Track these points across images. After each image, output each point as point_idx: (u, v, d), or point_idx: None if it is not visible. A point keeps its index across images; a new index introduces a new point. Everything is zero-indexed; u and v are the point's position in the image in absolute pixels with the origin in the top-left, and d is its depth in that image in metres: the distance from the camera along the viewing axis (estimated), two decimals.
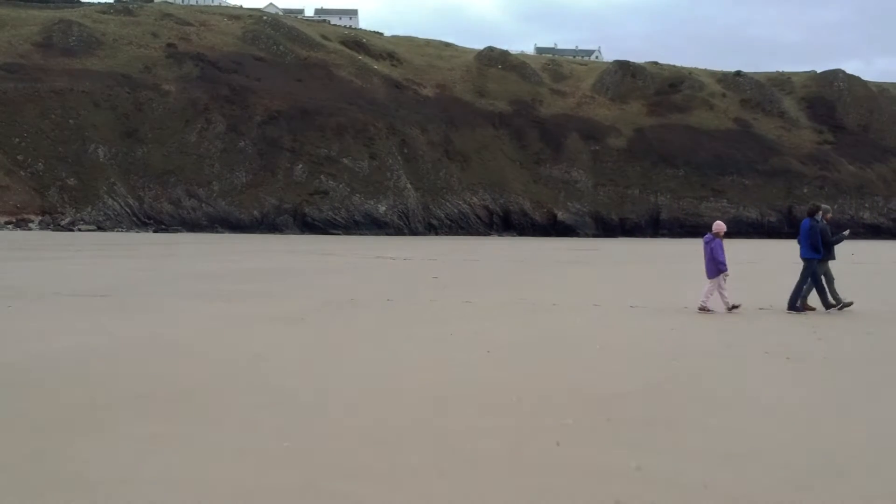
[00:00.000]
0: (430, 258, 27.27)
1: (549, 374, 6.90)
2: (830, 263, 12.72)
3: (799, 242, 12.89)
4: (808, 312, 12.42)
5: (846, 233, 13.97)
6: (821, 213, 12.93)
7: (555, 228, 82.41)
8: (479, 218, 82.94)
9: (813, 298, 12.64)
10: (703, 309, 12.29)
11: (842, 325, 10.96)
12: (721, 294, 12.36)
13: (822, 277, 12.50)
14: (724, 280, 12.41)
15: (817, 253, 12.34)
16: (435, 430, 4.88)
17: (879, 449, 4.59)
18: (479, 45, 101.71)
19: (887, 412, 5.58)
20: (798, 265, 12.87)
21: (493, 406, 5.61)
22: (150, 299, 12.47)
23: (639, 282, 18.76)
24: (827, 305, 12.49)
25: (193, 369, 6.86)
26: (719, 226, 13.08)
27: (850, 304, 12.49)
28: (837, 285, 12.69)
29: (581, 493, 3.72)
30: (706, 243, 12.73)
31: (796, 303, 12.46)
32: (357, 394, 5.96)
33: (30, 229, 66.11)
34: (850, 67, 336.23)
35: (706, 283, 12.71)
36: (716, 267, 12.32)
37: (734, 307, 12.23)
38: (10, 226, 66.54)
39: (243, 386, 6.09)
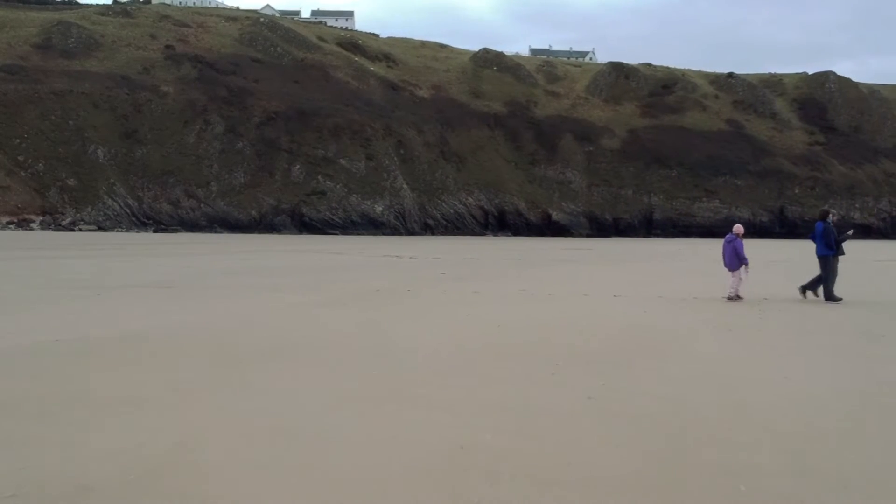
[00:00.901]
0: (433, 257, 29.82)
1: (545, 338, 9.34)
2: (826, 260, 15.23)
3: (814, 242, 15.22)
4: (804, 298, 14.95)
5: (850, 232, 16.65)
6: (831, 216, 15.59)
7: (549, 228, 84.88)
8: (474, 218, 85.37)
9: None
10: (731, 298, 14.62)
11: (791, 308, 13.44)
12: (737, 282, 14.80)
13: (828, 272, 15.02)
14: (746, 272, 14.95)
15: (831, 250, 14.79)
16: (481, 364, 7.38)
17: (776, 381, 6.98)
18: (474, 46, 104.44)
19: (786, 358, 8.00)
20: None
21: (508, 355, 8.08)
22: (209, 290, 14.75)
23: (624, 277, 21.28)
24: (827, 296, 14.97)
25: (294, 334, 9.26)
26: (739, 228, 15.67)
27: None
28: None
29: (565, 396, 6.17)
30: (728, 242, 15.20)
31: (833, 294, 14.68)
32: (428, 345, 8.50)
33: (31, 229, 68.00)
34: (844, 68, 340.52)
35: (729, 276, 15.09)
36: (738, 260, 14.79)
37: (738, 297, 14.73)
38: (11, 226, 68.46)
39: (345, 345, 8.51)
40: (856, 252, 40.99)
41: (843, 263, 15.55)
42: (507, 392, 6.30)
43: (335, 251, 33.67)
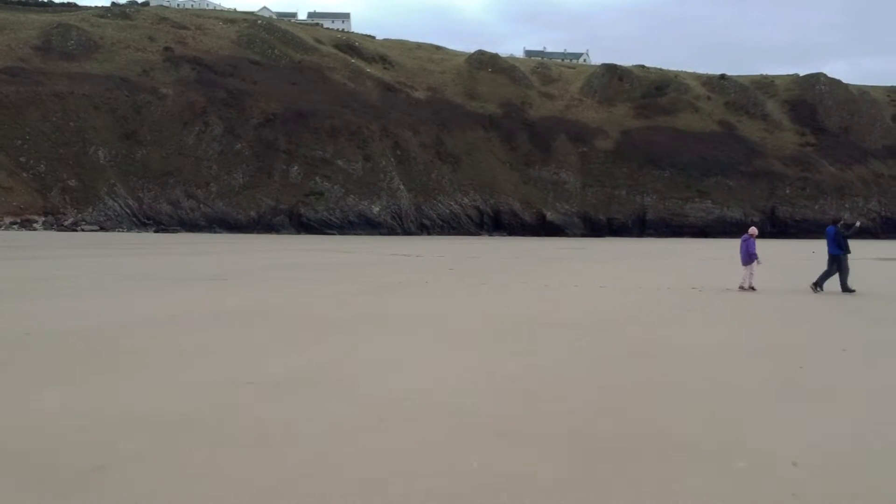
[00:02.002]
0: (438, 255, 32.82)
1: (543, 313, 12.27)
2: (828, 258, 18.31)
3: (827, 243, 18.26)
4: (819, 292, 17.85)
5: (858, 224, 19.90)
6: (841, 221, 18.81)
7: (544, 228, 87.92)
8: (470, 218, 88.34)
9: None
10: (743, 288, 17.54)
11: (745, 296, 16.38)
12: (750, 276, 17.66)
13: (833, 268, 17.99)
14: (756, 266, 17.82)
15: (841, 250, 17.78)
16: (496, 328, 10.33)
17: (703, 338, 9.89)
18: (467, 46, 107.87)
19: (716, 326, 10.91)
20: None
21: (516, 323, 11.01)
22: (261, 282, 17.59)
23: (611, 272, 24.25)
24: (816, 284, 17.95)
25: (354, 311, 12.13)
26: (753, 230, 18.73)
27: (821, 290, 17.87)
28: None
29: (558, 345, 9.10)
30: (743, 241, 18.16)
31: (847, 286, 17.54)
32: (456, 318, 11.43)
33: (34, 229, 70.48)
34: (836, 68, 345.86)
35: (742, 270, 18.04)
36: (749, 257, 17.74)
37: (752, 289, 17.66)
38: (15, 226, 70.91)
39: (397, 317, 11.40)
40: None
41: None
42: (518, 343, 9.27)
43: (345, 250, 36.63)
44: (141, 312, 11.50)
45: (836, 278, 17.75)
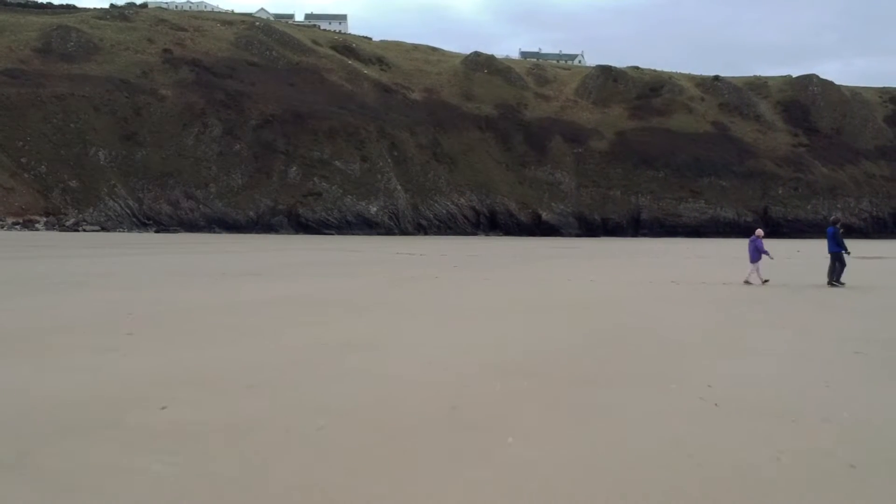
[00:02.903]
0: (440, 254, 35.57)
1: (540, 299, 14.90)
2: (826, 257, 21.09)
3: (828, 242, 21.00)
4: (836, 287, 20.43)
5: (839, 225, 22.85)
6: (840, 223, 21.63)
7: (539, 228, 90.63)
8: (466, 218, 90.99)
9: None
10: (749, 282, 20.15)
11: (719, 288, 19.00)
12: (758, 272, 20.29)
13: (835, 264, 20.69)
14: (761, 265, 20.38)
15: (840, 248, 20.47)
16: (503, 309, 12.97)
17: (669, 317, 12.50)
18: (463, 46, 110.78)
19: (683, 311, 13.50)
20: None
21: (519, 305, 13.63)
22: (296, 276, 20.25)
23: (602, 269, 26.92)
24: (835, 282, 20.46)
25: (385, 297, 14.73)
26: (759, 231, 21.52)
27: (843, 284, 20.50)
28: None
29: (553, 321, 11.71)
30: (751, 241, 20.92)
31: (832, 279, 20.26)
32: (467, 303, 14.05)
33: (36, 230, 72.72)
34: (830, 68, 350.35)
35: (749, 266, 20.68)
36: (758, 254, 20.35)
37: (761, 282, 20.21)
38: (17, 226, 73.08)
39: (418, 303, 13.98)
40: (814, 249, 47.04)
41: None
42: (520, 318, 11.92)
43: (352, 250, 39.29)
44: (213, 299, 14.11)
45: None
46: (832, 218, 22.75)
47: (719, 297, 16.96)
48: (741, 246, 59.15)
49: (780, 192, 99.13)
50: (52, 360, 8.04)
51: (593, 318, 12.41)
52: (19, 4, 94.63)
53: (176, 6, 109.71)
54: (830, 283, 20.41)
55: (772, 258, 20.72)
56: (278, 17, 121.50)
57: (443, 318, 11.84)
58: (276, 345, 9.13)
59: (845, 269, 20.54)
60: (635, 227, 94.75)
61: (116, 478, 4.45)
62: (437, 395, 6.74)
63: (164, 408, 6.06)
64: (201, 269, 22.39)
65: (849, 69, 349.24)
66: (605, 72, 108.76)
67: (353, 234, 78.98)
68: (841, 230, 21.25)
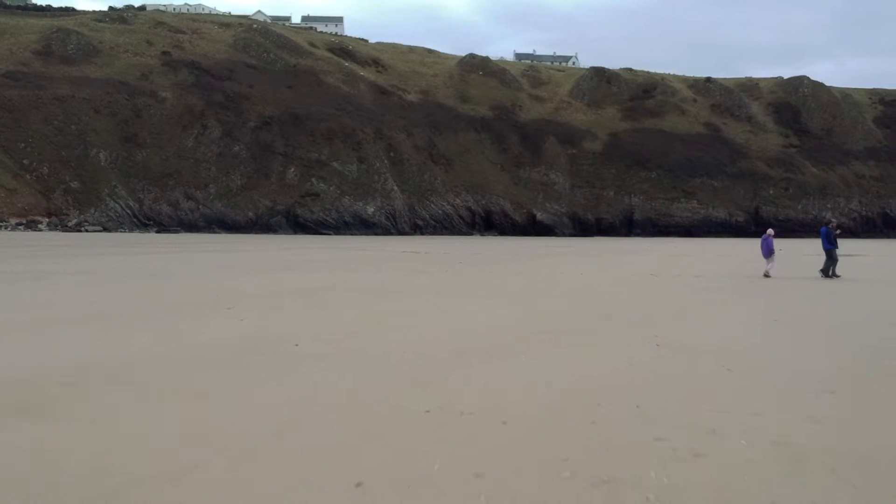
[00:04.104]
0: (443, 252, 39.31)
1: (537, 288, 18.55)
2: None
3: (822, 240, 24.73)
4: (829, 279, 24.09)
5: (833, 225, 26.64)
6: (833, 223, 25.56)
7: (534, 228, 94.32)
8: (461, 219, 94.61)
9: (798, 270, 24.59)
10: (767, 275, 23.70)
11: (693, 281, 22.68)
12: (770, 264, 23.97)
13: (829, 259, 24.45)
14: (773, 259, 24.08)
15: (831, 245, 24.14)
16: (507, 293, 16.61)
17: (638, 299, 16.09)
18: (456, 47, 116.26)
19: (652, 296, 17.12)
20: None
21: (520, 292, 17.26)
22: (322, 271, 23.86)
23: (592, 265, 30.61)
24: (829, 275, 24.15)
25: (410, 285, 18.32)
26: (771, 231, 25.36)
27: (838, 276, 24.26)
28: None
29: (549, 302, 15.34)
30: (763, 239, 24.73)
31: (828, 273, 23.93)
32: (477, 289, 17.66)
33: (39, 230, 75.82)
34: (822, 68, 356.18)
35: (763, 261, 24.40)
36: (769, 251, 24.06)
37: (767, 276, 23.76)
38: (21, 227, 76.26)
39: (436, 290, 17.56)
40: (796, 247, 51.08)
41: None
42: (523, 300, 15.58)
43: (360, 248, 42.94)
44: (280, 287, 17.73)
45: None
46: (827, 219, 26.90)
47: (687, 285, 20.67)
48: (727, 245, 63.41)
49: (771, 192, 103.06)
50: (205, 320, 11.66)
51: (581, 299, 16.09)
52: (19, 7, 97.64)
53: (174, 9, 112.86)
54: (826, 276, 24.07)
55: (781, 249, 24.40)
56: (275, 19, 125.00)
57: (464, 299, 15.49)
58: (365, 312, 12.81)
59: (836, 264, 24.30)
60: (628, 227, 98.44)
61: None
62: (477, 336, 10.42)
63: (296, 345, 9.67)
64: (239, 265, 25.94)
65: (841, 69, 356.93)
66: (599, 73, 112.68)
67: (350, 235, 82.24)
68: (838, 231, 25.15)
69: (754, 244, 65.48)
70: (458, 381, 7.62)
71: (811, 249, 50.64)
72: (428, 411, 6.37)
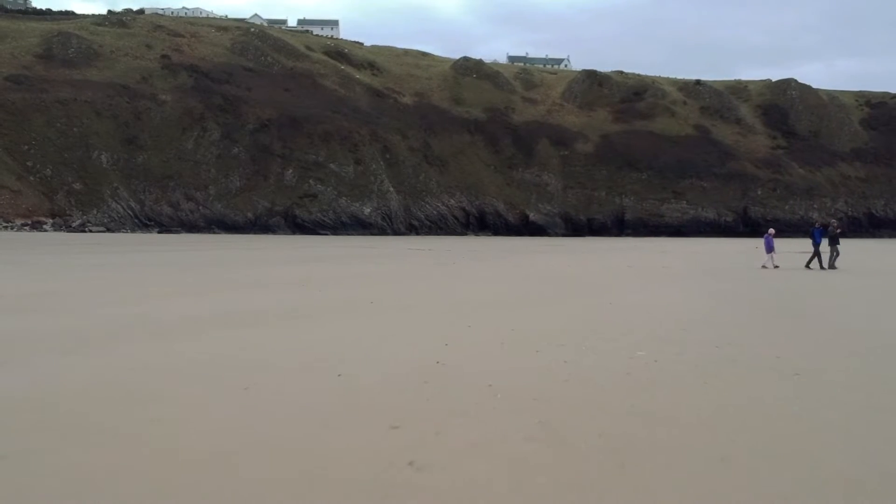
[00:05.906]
0: (446, 249, 44.21)
1: (531, 276, 23.35)
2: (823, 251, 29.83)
3: (818, 238, 29.42)
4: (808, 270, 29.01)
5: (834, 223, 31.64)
6: (831, 224, 30.61)
7: (527, 228, 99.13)
8: (456, 219, 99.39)
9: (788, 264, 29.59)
10: (765, 267, 28.50)
11: (666, 271, 27.55)
12: (771, 259, 28.73)
13: (824, 255, 28.99)
14: (774, 255, 28.91)
15: (818, 242, 28.87)
16: (507, 279, 21.43)
17: (615, 283, 20.85)
18: (448, 48, 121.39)
19: (632, 285, 21.88)
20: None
21: (518, 278, 22.05)
22: (347, 264, 28.64)
23: (580, 261, 35.50)
24: (828, 266, 29.05)
25: (431, 275, 23.03)
26: (772, 231, 30.43)
27: (835, 268, 29.13)
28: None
29: (542, 287, 20.11)
30: (766, 238, 29.63)
31: (824, 264, 28.88)
32: (483, 277, 22.45)
33: (44, 231, 79.90)
34: (812, 70, 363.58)
35: (765, 256, 29.13)
36: (770, 248, 28.82)
37: (765, 267, 28.56)
38: (26, 227, 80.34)
39: (463, 276, 22.25)
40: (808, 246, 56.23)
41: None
42: (522, 284, 20.43)
43: (369, 246, 47.76)
44: (330, 275, 22.44)
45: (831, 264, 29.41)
46: (820, 221, 33.26)
47: (655, 275, 25.59)
48: (711, 244, 68.74)
49: (759, 192, 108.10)
50: (299, 292, 16.44)
51: (563, 282, 20.97)
52: (19, 10, 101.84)
53: (172, 12, 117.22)
54: (824, 268, 28.78)
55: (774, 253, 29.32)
56: (271, 22, 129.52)
57: (478, 283, 20.33)
58: (412, 287, 17.65)
59: (825, 258, 29.08)
60: (620, 227, 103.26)
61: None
62: (496, 299, 15.30)
63: (371, 302, 14.43)
64: (267, 260, 30.68)
65: (830, 70, 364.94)
66: (591, 76, 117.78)
67: (347, 235, 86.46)
68: (838, 230, 30.12)
69: (739, 243, 71.18)
70: (473, 319, 12.48)
71: (799, 247, 56.15)
72: (470, 326, 11.19)
